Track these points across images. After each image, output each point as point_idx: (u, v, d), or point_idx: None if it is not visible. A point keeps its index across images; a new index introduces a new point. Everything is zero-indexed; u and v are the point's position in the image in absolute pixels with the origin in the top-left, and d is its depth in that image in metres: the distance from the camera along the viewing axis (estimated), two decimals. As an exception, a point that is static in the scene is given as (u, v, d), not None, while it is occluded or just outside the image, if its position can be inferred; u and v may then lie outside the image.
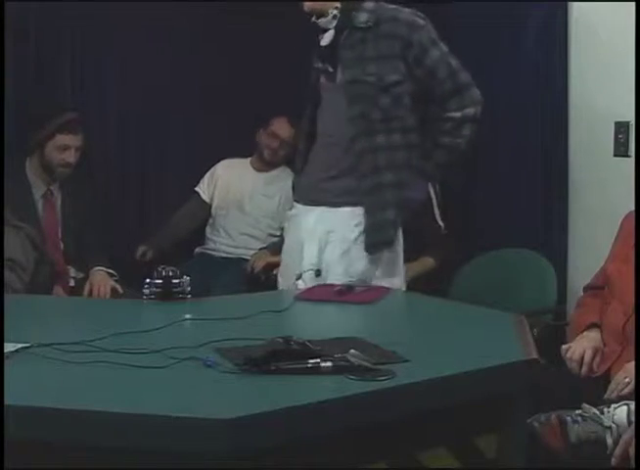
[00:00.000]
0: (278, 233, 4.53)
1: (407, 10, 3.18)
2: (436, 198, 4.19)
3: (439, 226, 4.23)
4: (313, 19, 3.19)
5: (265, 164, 4.65)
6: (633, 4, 3.52)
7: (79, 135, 4.14)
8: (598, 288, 3.02)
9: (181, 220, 4.69)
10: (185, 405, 1.77)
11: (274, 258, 4.30)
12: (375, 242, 3.18)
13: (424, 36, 3.14)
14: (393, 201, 3.17)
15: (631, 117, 3.67)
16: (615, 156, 3.84)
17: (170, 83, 4.65)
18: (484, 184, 4.31)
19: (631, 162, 3.70)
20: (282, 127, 4.56)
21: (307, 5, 3.18)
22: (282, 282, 3.39)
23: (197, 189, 4.70)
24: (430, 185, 4.12)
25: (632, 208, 2.97)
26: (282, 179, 4.55)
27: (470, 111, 3.21)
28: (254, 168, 4.68)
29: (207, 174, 4.70)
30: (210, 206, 4.68)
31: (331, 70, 3.20)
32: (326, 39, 3.21)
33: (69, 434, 1.73)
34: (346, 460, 1.91)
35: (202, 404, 1.79)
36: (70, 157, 4.10)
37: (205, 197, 4.69)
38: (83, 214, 4.20)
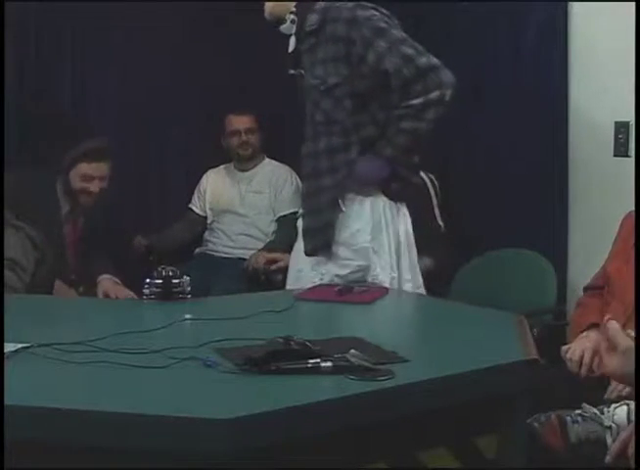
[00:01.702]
0: (275, 227, 4.55)
1: (350, 5, 3.12)
2: (436, 198, 4.20)
3: (439, 226, 4.23)
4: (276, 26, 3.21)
5: (245, 162, 4.69)
6: (633, 4, 3.52)
7: (104, 163, 4.03)
8: (598, 288, 3.02)
9: (177, 234, 4.76)
10: (185, 405, 1.77)
11: (272, 255, 4.33)
12: (313, 246, 3.21)
13: (365, 31, 3.06)
14: (331, 204, 3.17)
15: (631, 118, 3.67)
16: (615, 156, 3.85)
17: (170, 83, 4.65)
18: (484, 184, 4.31)
19: (631, 162, 3.70)
20: (233, 122, 4.64)
21: (266, 13, 3.22)
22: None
23: (190, 205, 4.77)
24: (430, 185, 4.13)
25: (632, 208, 2.97)
26: (267, 173, 4.64)
27: (434, 95, 3.07)
28: (238, 170, 4.72)
29: (196, 189, 4.77)
30: (205, 218, 4.73)
31: (301, 74, 3.24)
32: (291, 45, 3.24)
33: (70, 434, 1.73)
34: (346, 460, 1.91)
35: (202, 404, 1.79)
36: (95, 186, 4.01)
37: (198, 211, 4.75)
38: (98, 232, 4.18)
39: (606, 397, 2.57)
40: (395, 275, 3.18)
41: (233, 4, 4.31)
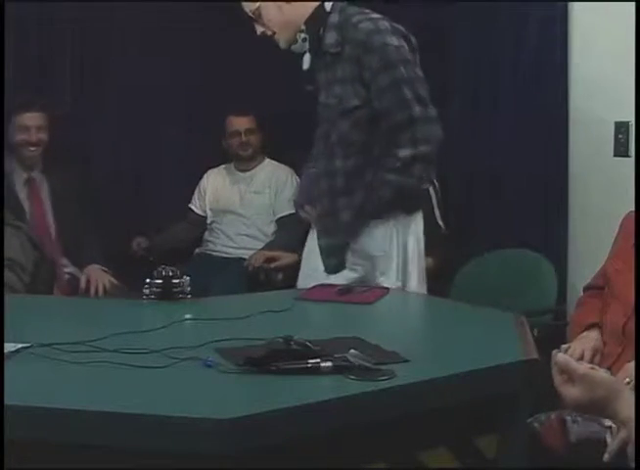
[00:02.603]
0: (274, 228, 4.54)
1: (369, 24, 3.03)
2: (437, 198, 4.19)
3: (439, 226, 4.22)
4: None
5: (245, 163, 4.68)
6: (633, 4, 3.52)
7: (37, 114, 4.11)
8: (598, 288, 3.01)
9: (177, 234, 4.76)
10: (185, 405, 1.77)
11: (271, 253, 4.32)
12: (335, 265, 3.19)
13: (374, 60, 2.99)
14: (349, 224, 3.14)
15: (631, 118, 3.67)
16: (615, 156, 3.85)
17: (170, 82, 4.65)
18: (484, 184, 4.31)
19: (631, 162, 3.70)
20: (233, 123, 4.63)
21: (282, 44, 3.16)
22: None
23: (190, 205, 4.77)
24: (430, 186, 4.13)
25: (632, 208, 2.97)
26: (267, 173, 4.64)
27: (423, 149, 3.01)
28: (238, 170, 4.71)
29: (196, 189, 4.76)
30: (205, 218, 4.73)
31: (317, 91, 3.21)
32: (305, 63, 3.21)
33: (69, 434, 1.73)
34: (346, 460, 1.91)
35: (202, 404, 1.79)
36: (32, 136, 4.08)
37: (198, 211, 4.75)
38: (73, 204, 4.18)
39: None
40: (400, 284, 3.15)
41: (233, 4, 4.30)
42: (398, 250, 3.16)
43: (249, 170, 4.67)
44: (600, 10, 3.85)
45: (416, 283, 3.22)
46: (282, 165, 4.64)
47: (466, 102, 4.33)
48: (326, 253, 3.23)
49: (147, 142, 4.73)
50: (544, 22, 4.04)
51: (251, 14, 3.15)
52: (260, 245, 4.51)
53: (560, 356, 1.76)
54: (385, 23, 3.04)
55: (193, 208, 4.76)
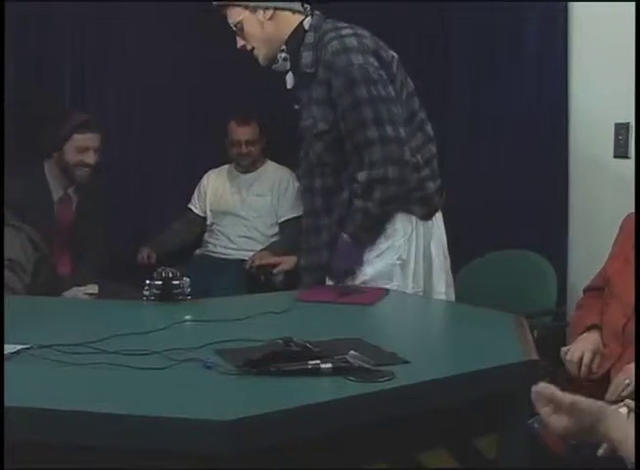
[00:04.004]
0: (276, 230, 4.54)
1: (334, 47, 2.99)
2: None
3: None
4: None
5: (247, 167, 4.66)
6: (633, 5, 3.52)
7: (97, 135, 4.10)
8: (598, 289, 3.02)
9: (176, 234, 4.74)
10: (185, 407, 1.77)
11: (274, 259, 4.31)
12: (308, 283, 3.20)
13: (339, 80, 2.98)
14: (328, 243, 3.14)
15: (631, 119, 3.67)
16: (615, 157, 3.85)
17: (171, 83, 4.64)
18: (485, 186, 4.31)
19: (631, 163, 3.70)
20: (235, 133, 4.59)
21: (261, 61, 3.17)
22: None
23: (189, 205, 4.75)
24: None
25: (632, 209, 2.97)
26: (269, 176, 4.63)
27: (376, 173, 2.97)
28: (239, 171, 4.69)
29: (196, 189, 4.75)
30: (204, 218, 4.71)
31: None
32: (289, 82, 3.20)
33: (69, 435, 1.73)
34: (346, 461, 1.90)
35: (202, 406, 1.79)
36: (90, 158, 4.07)
37: (197, 211, 4.74)
38: (94, 218, 4.19)
39: (606, 398, 2.56)
40: (420, 289, 3.14)
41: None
42: (417, 256, 3.14)
43: (250, 171, 4.67)
44: (600, 12, 3.85)
45: (444, 287, 3.22)
46: (284, 168, 4.62)
47: (466, 105, 4.33)
48: (304, 271, 3.25)
49: (148, 142, 4.72)
50: (544, 24, 4.04)
51: (233, 26, 3.14)
52: (260, 247, 4.51)
53: (542, 387, 1.75)
54: (352, 41, 3.00)
55: (192, 208, 4.75)
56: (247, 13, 3.10)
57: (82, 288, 4.06)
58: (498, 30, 4.22)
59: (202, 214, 4.73)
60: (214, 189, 4.70)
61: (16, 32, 4.15)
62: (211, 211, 4.69)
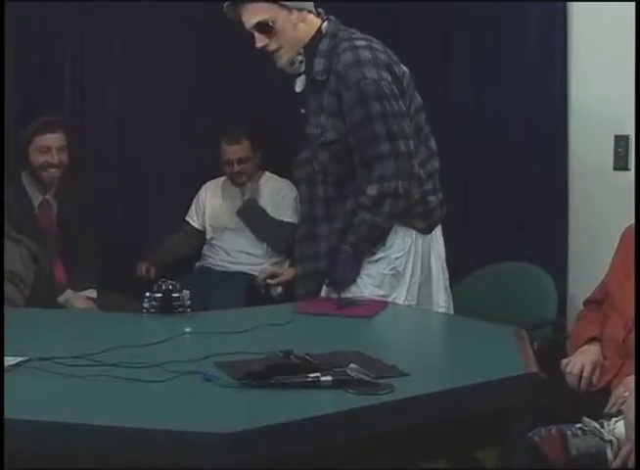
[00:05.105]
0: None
1: (348, 59, 2.98)
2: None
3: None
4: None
5: (242, 183, 4.58)
6: (633, 16, 3.52)
7: (59, 134, 4.10)
8: (598, 301, 3.01)
9: (175, 246, 4.68)
10: (185, 419, 1.77)
11: (273, 269, 4.31)
12: (307, 292, 3.19)
13: (351, 93, 2.97)
14: (327, 252, 3.14)
15: (631, 131, 3.67)
16: (614, 169, 3.85)
17: (171, 83, 4.63)
18: (484, 197, 4.31)
19: (631, 175, 3.70)
20: (227, 151, 4.53)
21: (282, 60, 3.09)
22: None
23: (187, 218, 4.70)
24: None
25: (632, 221, 2.97)
26: (267, 190, 4.57)
27: (388, 186, 2.99)
28: (235, 185, 4.61)
29: (194, 202, 4.70)
30: (202, 232, 4.67)
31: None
32: (299, 86, 3.17)
33: (69, 448, 1.73)
34: (346, 474, 1.90)
35: (201, 418, 1.79)
36: (53, 158, 4.07)
37: (196, 225, 4.69)
38: (80, 221, 4.19)
39: (606, 410, 2.56)
40: (414, 302, 3.13)
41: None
42: (414, 269, 3.14)
43: (246, 184, 4.59)
44: (601, 19, 3.85)
45: (443, 301, 3.23)
46: (282, 181, 4.57)
47: (465, 118, 4.33)
48: (301, 278, 3.25)
49: (147, 144, 4.69)
50: (544, 33, 4.05)
51: (254, 25, 3.04)
52: (259, 261, 4.49)
53: None
54: (366, 54, 3.00)
55: (190, 221, 4.71)
56: (283, 12, 3.03)
57: (80, 293, 4.06)
58: (497, 43, 4.22)
59: (200, 228, 4.69)
60: (213, 204, 4.65)
61: (16, 32, 4.14)
62: (211, 226, 4.65)
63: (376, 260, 3.10)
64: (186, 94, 4.68)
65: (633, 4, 3.55)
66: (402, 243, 3.11)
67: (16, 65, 4.15)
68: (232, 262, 4.53)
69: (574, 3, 3.97)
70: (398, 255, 3.10)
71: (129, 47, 4.56)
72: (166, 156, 4.76)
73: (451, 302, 3.29)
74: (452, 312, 3.25)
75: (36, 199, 4.16)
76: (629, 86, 3.53)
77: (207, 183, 4.71)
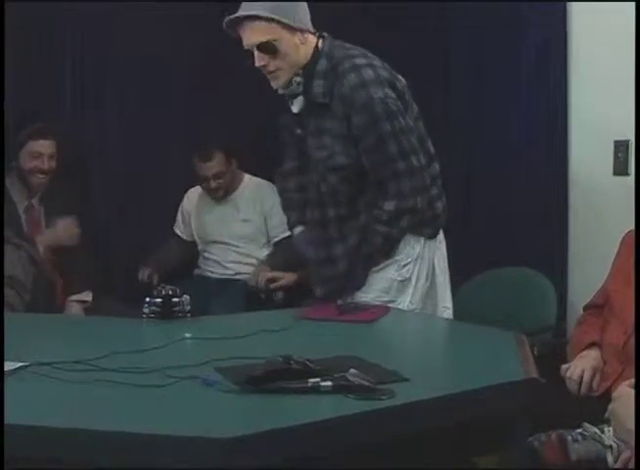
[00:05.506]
0: (270, 250, 4.48)
1: (353, 81, 2.96)
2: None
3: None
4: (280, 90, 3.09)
5: (221, 197, 4.50)
6: (633, 24, 3.53)
7: (51, 141, 4.12)
8: (598, 306, 3.01)
9: (171, 254, 4.62)
10: (185, 424, 1.77)
11: (273, 274, 4.29)
12: (327, 291, 3.20)
13: (362, 116, 2.97)
14: (345, 271, 3.15)
15: (631, 136, 3.68)
16: (614, 175, 3.85)
17: (171, 84, 4.62)
18: (484, 202, 4.32)
19: (631, 180, 3.71)
20: (201, 168, 4.42)
21: (279, 82, 3.05)
22: None
23: (175, 230, 4.64)
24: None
25: (632, 226, 2.97)
26: (252, 197, 4.47)
27: (407, 203, 3.05)
28: (214, 199, 4.51)
29: (179, 213, 4.63)
30: (192, 241, 4.61)
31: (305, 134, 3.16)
32: (296, 107, 3.11)
33: (69, 453, 1.72)
34: (346, 480, 1.90)
35: (201, 423, 1.79)
36: (43, 164, 4.09)
37: (184, 237, 4.63)
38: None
39: (606, 416, 2.56)
40: (418, 308, 3.15)
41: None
42: (420, 275, 3.16)
43: (229, 198, 4.50)
44: (600, 28, 3.86)
45: (448, 302, 3.25)
46: (264, 184, 4.45)
47: (465, 124, 4.33)
48: (324, 298, 3.21)
49: (148, 145, 4.67)
50: (543, 41, 4.05)
51: (254, 45, 2.98)
52: (251, 269, 4.43)
53: None
54: (369, 73, 2.98)
55: (178, 232, 4.64)
56: (285, 33, 2.97)
57: (74, 296, 4.06)
58: (497, 52, 4.23)
59: (189, 239, 4.62)
60: (198, 216, 4.56)
61: (16, 33, 4.14)
62: (199, 238, 4.57)
63: (384, 267, 3.12)
64: (186, 95, 4.66)
65: (633, 4, 3.55)
66: (411, 249, 3.14)
67: (16, 65, 4.15)
68: (229, 274, 4.47)
69: (574, 3, 3.98)
70: (407, 261, 3.13)
71: (129, 47, 4.55)
72: (167, 156, 4.72)
73: (452, 303, 3.30)
74: (451, 313, 3.26)
75: (22, 204, 4.16)
76: (629, 91, 3.53)
77: (190, 191, 4.62)
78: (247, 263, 4.47)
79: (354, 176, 3.06)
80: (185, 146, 4.62)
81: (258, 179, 4.52)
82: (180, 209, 4.63)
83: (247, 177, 4.53)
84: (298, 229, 3.35)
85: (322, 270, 3.23)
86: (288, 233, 4.29)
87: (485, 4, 4.14)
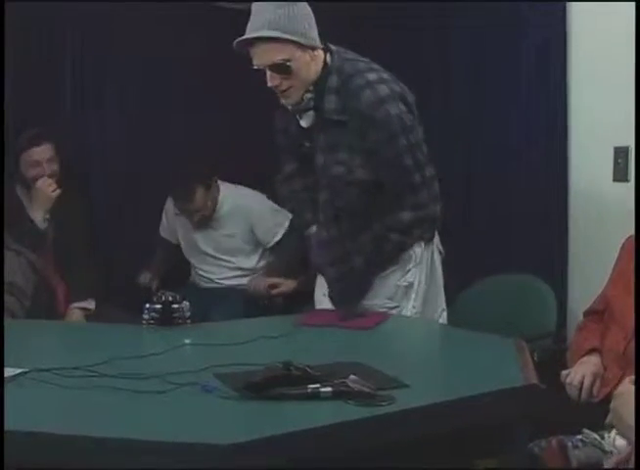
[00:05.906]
0: (262, 256, 4.46)
1: (368, 98, 2.96)
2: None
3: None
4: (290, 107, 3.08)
5: (204, 223, 4.40)
6: (633, 25, 3.53)
7: (44, 146, 4.07)
8: (598, 312, 3.01)
9: (162, 261, 4.58)
10: (185, 431, 1.77)
11: (272, 280, 4.28)
12: (342, 299, 3.21)
13: (379, 132, 2.99)
14: (364, 284, 3.16)
15: (631, 143, 3.68)
16: (614, 181, 3.85)
17: (171, 84, 4.61)
18: (484, 209, 4.32)
19: (631, 186, 3.70)
20: (182, 208, 4.35)
21: (291, 99, 3.03)
22: None
23: (161, 234, 4.58)
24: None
25: (632, 232, 2.97)
26: (232, 209, 4.38)
27: (426, 213, 3.14)
28: (199, 226, 4.43)
29: (163, 218, 4.56)
30: (179, 244, 4.55)
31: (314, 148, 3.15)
32: (306, 121, 3.10)
33: (68, 459, 1.72)
34: (346, 486, 1.90)
35: (201, 430, 1.79)
36: (44, 170, 4.04)
37: (171, 239, 4.57)
38: (73, 230, 4.14)
39: (606, 422, 2.55)
40: (419, 311, 3.16)
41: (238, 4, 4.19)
42: (420, 278, 3.18)
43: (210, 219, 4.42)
44: (599, 32, 3.86)
45: (444, 303, 3.29)
46: (246, 194, 4.39)
47: (463, 124, 4.33)
48: (339, 302, 3.21)
49: (148, 145, 4.64)
50: (543, 44, 4.05)
51: (267, 64, 2.95)
52: (246, 279, 4.41)
53: None
54: (384, 89, 2.99)
55: (164, 236, 4.58)
56: (297, 52, 2.96)
57: (77, 303, 4.05)
58: (496, 54, 4.23)
59: (175, 242, 4.54)
60: (180, 228, 4.49)
61: (16, 33, 4.14)
62: (185, 252, 4.51)
63: (390, 273, 3.14)
64: (186, 95, 4.65)
65: (633, 4, 3.55)
66: (414, 254, 3.16)
67: (16, 65, 4.15)
68: (225, 286, 4.43)
69: (574, 3, 3.98)
70: (410, 266, 3.15)
71: (129, 47, 4.54)
72: (167, 157, 4.70)
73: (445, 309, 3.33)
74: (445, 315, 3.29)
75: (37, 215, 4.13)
76: (630, 92, 3.53)
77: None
78: (236, 275, 4.43)
79: (370, 190, 3.08)
80: (185, 146, 4.61)
81: (238, 189, 4.43)
82: (164, 212, 4.56)
83: (223, 191, 4.40)
84: (314, 229, 3.34)
85: (336, 285, 3.23)
86: (279, 237, 4.31)
87: (485, 4, 4.13)
